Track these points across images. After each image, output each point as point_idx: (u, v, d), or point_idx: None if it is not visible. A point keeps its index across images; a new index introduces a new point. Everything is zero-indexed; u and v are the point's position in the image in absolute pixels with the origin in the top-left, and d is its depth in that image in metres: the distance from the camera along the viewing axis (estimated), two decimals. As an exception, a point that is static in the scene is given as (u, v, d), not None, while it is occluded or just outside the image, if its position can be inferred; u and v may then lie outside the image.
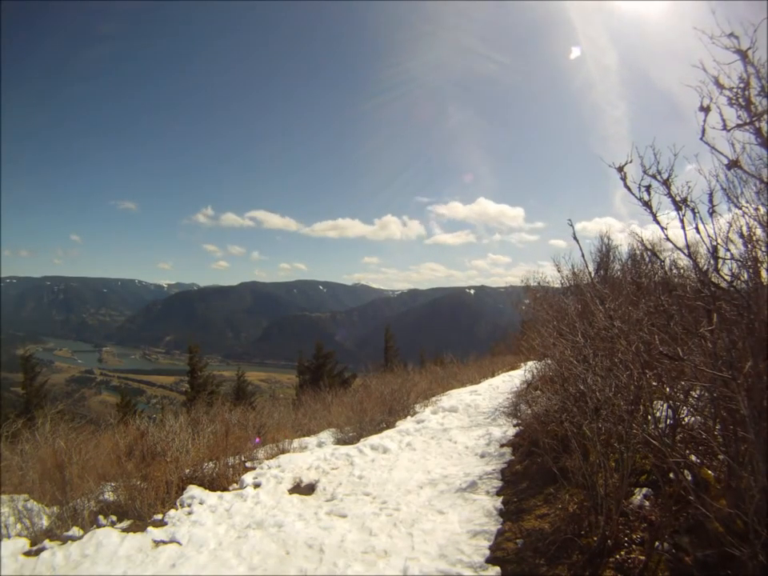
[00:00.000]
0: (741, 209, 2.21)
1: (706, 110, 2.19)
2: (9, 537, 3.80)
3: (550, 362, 6.40)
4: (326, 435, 8.25)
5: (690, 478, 2.38)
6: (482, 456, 5.78)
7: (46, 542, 3.71)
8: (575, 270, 8.06)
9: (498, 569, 3.03)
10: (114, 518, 4.36)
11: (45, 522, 4.15)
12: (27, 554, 3.52)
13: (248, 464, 5.92)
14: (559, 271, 8.39)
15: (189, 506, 4.50)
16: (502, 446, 5.97)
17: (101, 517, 4.31)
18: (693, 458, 2.49)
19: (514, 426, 6.66)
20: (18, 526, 4.02)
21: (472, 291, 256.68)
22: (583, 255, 4.04)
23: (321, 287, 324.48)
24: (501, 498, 4.28)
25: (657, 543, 2.44)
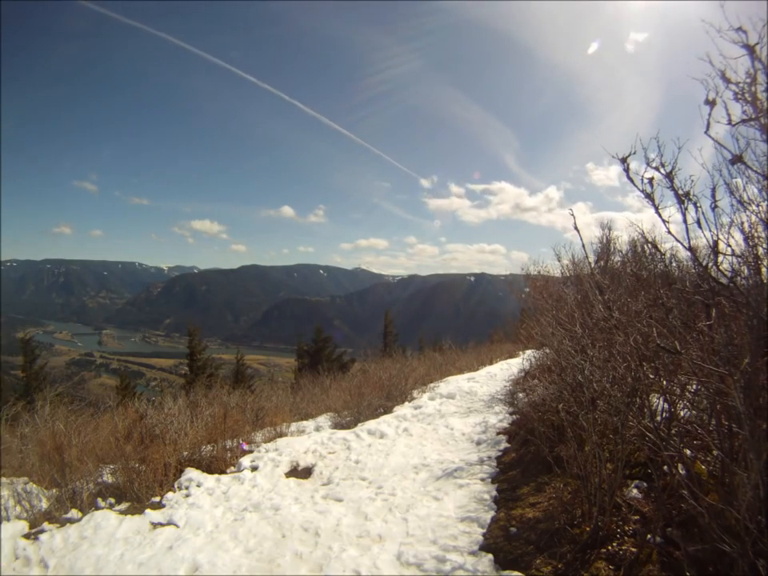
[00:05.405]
0: (743, 204, 2.18)
1: (711, 103, 2.14)
2: (8, 519, 3.83)
3: (548, 351, 6.41)
4: (324, 419, 8.31)
5: (683, 471, 2.39)
6: (478, 443, 5.81)
7: (45, 525, 3.74)
8: (575, 259, 8.03)
9: (490, 556, 3.05)
10: (112, 500, 4.41)
11: (44, 505, 4.18)
12: (26, 536, 3.53)
13: (245, 447, 5.96)
14: (559, 260, 8.37)
15: (186, 488, 4.54)
16: (498, 433, 5.99)
17: (99, 499, 4.35)
18: (687, 452, 2.50)
19: (511, 413, 6.68)
20: (18, 508, 4.06)
21: (472, 278, 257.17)
22: (584, 245, 4.00)
23: (321, 271, 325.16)
24: (495, 485, 4.31)
25: (649, 536, 2.46)
